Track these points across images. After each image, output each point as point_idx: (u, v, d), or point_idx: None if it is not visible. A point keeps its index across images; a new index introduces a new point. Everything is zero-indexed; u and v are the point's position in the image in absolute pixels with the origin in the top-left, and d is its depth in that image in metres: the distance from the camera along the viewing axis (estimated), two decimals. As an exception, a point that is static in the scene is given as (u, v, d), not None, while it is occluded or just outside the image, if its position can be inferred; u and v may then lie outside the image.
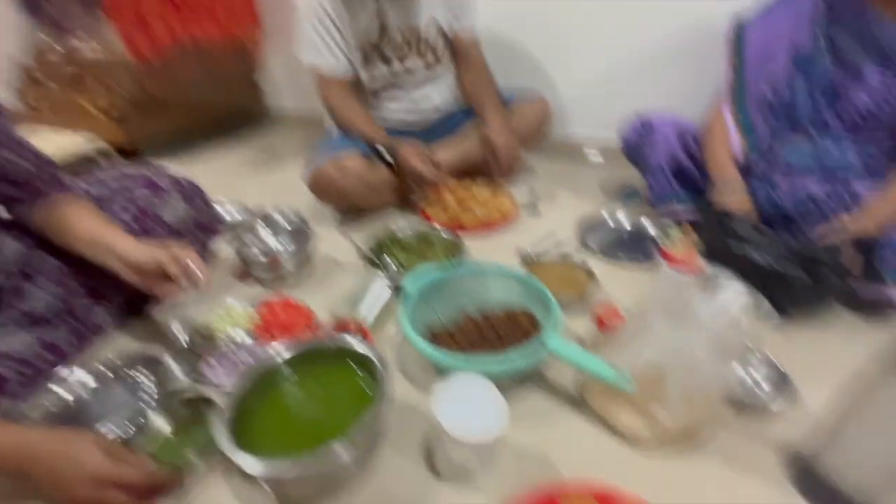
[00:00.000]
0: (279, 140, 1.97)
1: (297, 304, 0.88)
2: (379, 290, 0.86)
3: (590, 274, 0.92)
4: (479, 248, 1.11)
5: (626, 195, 1.32)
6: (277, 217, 1.05)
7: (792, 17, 0.93)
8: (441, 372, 0.68)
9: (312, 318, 0.85)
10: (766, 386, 0.69)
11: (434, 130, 1.37)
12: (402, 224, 1.12)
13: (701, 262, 0.83)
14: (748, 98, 0.98)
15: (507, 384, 0.71)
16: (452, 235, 1.07)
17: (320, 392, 0.64)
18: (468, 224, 1.17)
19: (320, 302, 0.90)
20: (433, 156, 1.19)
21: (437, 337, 0.76)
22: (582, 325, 0.83)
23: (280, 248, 1.01)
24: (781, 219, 0.95)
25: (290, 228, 1.05)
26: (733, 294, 0.51)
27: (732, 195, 0.95)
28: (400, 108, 1.31)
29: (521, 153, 1.31)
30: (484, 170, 1.34)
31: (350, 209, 1.25)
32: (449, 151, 1.31)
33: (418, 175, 1.16)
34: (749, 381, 0.70)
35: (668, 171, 1.11)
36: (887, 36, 0.82)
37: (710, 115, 1.05)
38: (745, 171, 1.01)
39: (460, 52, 1.32)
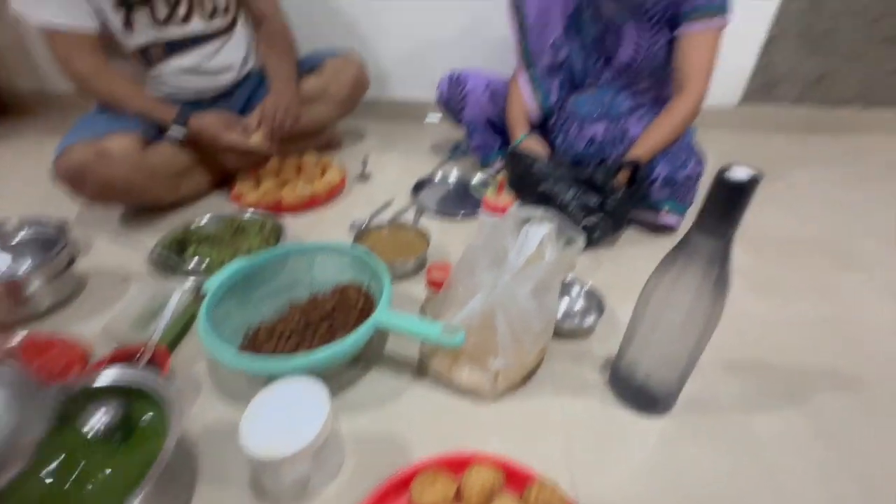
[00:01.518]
0: (23, 129, 1.49)
1: (62, 339, 0.66)
2: (180, 299, 0.70)
3: (424, 236, 0.89)
4: (305, 226, 1.00)
5: (453, 151, 1.33)
6: (9, 228, 0.77)
7: None
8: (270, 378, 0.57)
9: (86, 354, 0.65)
10: (583, 309, 0.75)
11: (230, 97, 1.16)
12: (208, 215, 0.93)
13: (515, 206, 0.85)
14: (535, 62, 1.04)
15: (343, 372, 0.65)
16: (270, 217, 0.92)
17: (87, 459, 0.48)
18: (290, 202, 1.03)
19: (99, 329, 0.70)
20: (242, 122, 1.01)
21: (255, 337, 0.65)
22: (421, 289, 0.80)
23: (20, 269, 0.75)
24: (577, 163, 1.05)
25: (34, 240, 0.79)
26: (538, 231, 0.52)
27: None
28: (182, 69, 1.06)
29: (293, 113, 1.08)
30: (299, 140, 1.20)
31: (135, 205, 1.00)
32: (253, 122, 1.13)
33: (240, 150, 0.98)
34: (569, 308, 0.75)
35: (481, 125, 1.15)
36: None
37: (511, 78, 1.10)
38: (543, 126, 1.10)
39: (256, 13, 1.12)
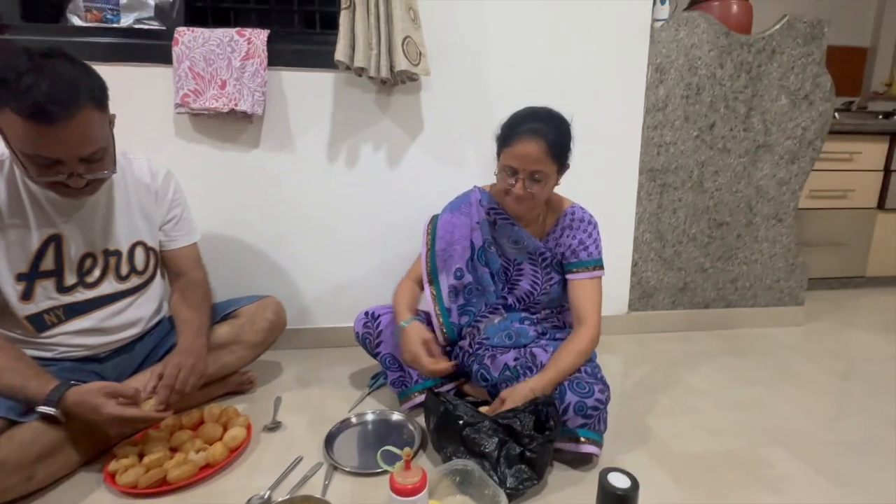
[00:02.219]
0: None
1: None
2: None
3: (333, 512, 0.78)
4: (192, 512, 0.85)
5: (374, 381, 1.31)
6: None
7: (467, 222, 1.18)
8: None
9: None
10: None
11: (131, 351, 1.10)
12: None
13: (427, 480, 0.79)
14: (438, 280, 1.17)
15: None
16: None
17: None
18: (177, 479, 0.88)
19: None
20: (129, 390, 0.89)
21: None
22: None
23: None
24: (493, 388, 1.08)
25: None
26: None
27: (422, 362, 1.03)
28: (80, 331, 1.00)
29: (196, 375, 0.99)
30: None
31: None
32: (151, 376, 1.05)
33: (123, 422, 0.86)
34: None
35: (398, 361, 1.17)
36: (533, 244, 1.13)
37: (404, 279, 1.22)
38: (451, 346, 1.17)
39: (174, 270, 1.14)
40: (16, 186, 0.90)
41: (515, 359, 1.06)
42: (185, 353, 1.00)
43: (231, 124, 1.39)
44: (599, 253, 1.11)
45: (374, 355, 1.21)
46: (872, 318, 1.90)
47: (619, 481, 0.43)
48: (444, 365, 1.04)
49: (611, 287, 1.67)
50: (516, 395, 0.95)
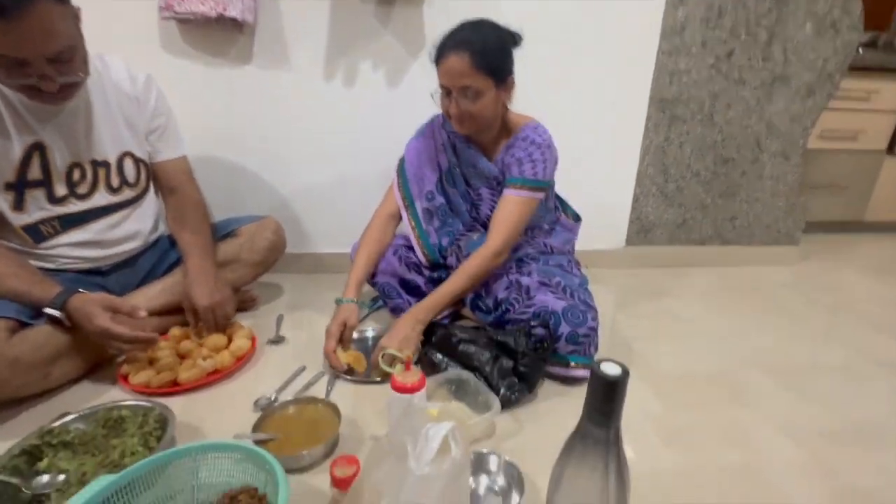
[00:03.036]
0: None
1: None
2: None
3: (335, 412, 0.83)
4: (203, 407, 0.90)
5: (372, 303, 1.34)
6: None
7: (432, 145, 1.18)
8: None
9: None
10: (504, 489, 0.70)
11: (133, 265, 1.11)
12: (73, 415, 0.78)
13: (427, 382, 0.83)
14: (414, 203, 1.18)
15: None
16: (154, 407, 0.80)
17: None
18: (187, 381, 0.93)
19: None
20: (126, 305, 0.92)
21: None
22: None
23: None
24: (486, 315, 1.11)
25: None
26: (439, 432, 0.50)
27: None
28: (79, 243, 1.00)
29: (229, 306, 1.06)
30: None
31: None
32: (154, 292, 1.08)
33: (110, 337, 0.88)
34: (488, 489, 0.71)
35: (395, 286, 1.19)
36: (487, 168, 1.11)
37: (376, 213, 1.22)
38: (434, 267, 1.20)
39: (166, 185, 1.12)
40: None
41: (506, 288, 1.08)
42: (203, 286, 1.02)
43: (221, 34, 1.30)
44: (535, 174, 1.04)
45: (373, 284, 1.23)
46: (867, 260, 1.92)
47: (610, 369, 0.45)
48: (337, 359, 0.98)
49: (609, 221, 1.68)
50: (397, 335, 0.96)
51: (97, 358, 0.99)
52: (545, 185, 1.08)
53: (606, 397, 0.45)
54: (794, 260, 1.82)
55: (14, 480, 0.65)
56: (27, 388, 0.86)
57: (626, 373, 0.45)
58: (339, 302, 1.06)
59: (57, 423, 0.75)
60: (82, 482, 0.66)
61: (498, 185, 1.12)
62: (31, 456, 0.71)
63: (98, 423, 0.77)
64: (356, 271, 1.12)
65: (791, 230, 1.80)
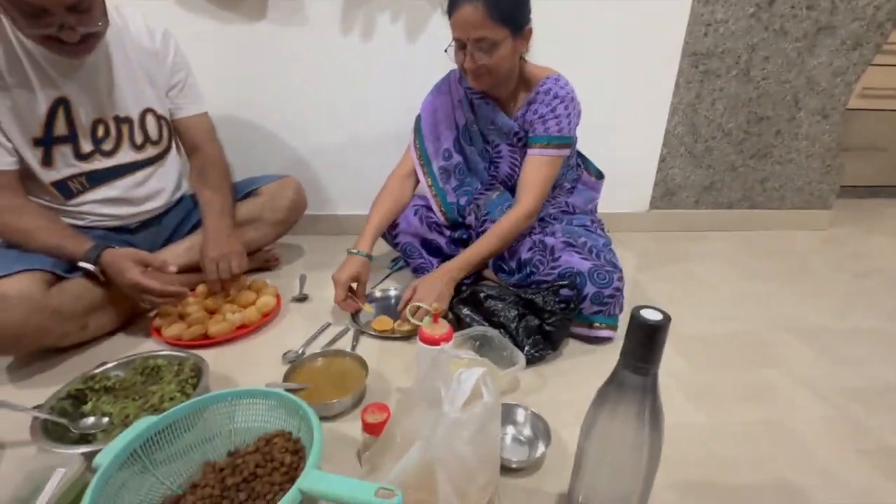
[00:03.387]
0: None
1: None
2: (62, 482, 0.58)
3: (362, 364, 0.85)
4: (234, 359, 0.93)
5: (394, 264, 1.34)
6: None
7: (448, 101, 1.15)
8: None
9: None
10: (530, 439, 0.72)
11: (159, 224, 1.13)
12: (113, 363, 0.81)
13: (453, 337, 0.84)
14: (431, 161, 1.16)
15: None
16: (189, 356, 0.83)
17: None
18: (217, 334, 0.96)
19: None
20: (157, 260, 0.94)
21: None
22: (359, 427, 0.74)
23: None
24: (508, 276, 1.10)
25: None
26: (471, 376, 0.50)
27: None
28: (106, 200, 1.01)
29: (235, 260, 1.03)
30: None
31: (30, 350, 0.88)
32: (180, 250, 1.09)
33: (142, 290, 0.90)
34: (515, 438, 0.72)
35: (417, 246, 1.19)
36: (506, 124, 1.07)
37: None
38: (454, 227, 1.19)
39: (189, 143, 1.13)
40: (10, 45, 0.87)
41: (530, 249, 1.06)
42: (219, 245, 1.02)
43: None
44: (560, 130, 1.01)
45: (394, 245, 1.23)
46: (900, 225, 1.85)
47: (651, 315, 0.44)
48: (350, 304, 1.01)
49: (632, 183, 1.64)
50: (431, 290, 0.96)
51: (131, 311, 1.02)
52: (570, 141, 1.05)
53: (646, 343, 0.45)
54: (825, 224, 1.76)
55: (63, 421, 0.69)
56: (67, 339, 0.90)
57: (667, 318, 0.44)
58: (349, 252, 1.05)
59: (97, 370, 0.79)
60: (125, 424, 0.69)
61: (518, 142, 1.09)
62: (75, 399, 0.74)
63: (136, 371, 0.80)
64: (370, 225, 1.10)
65: (824, 193, 1.73)
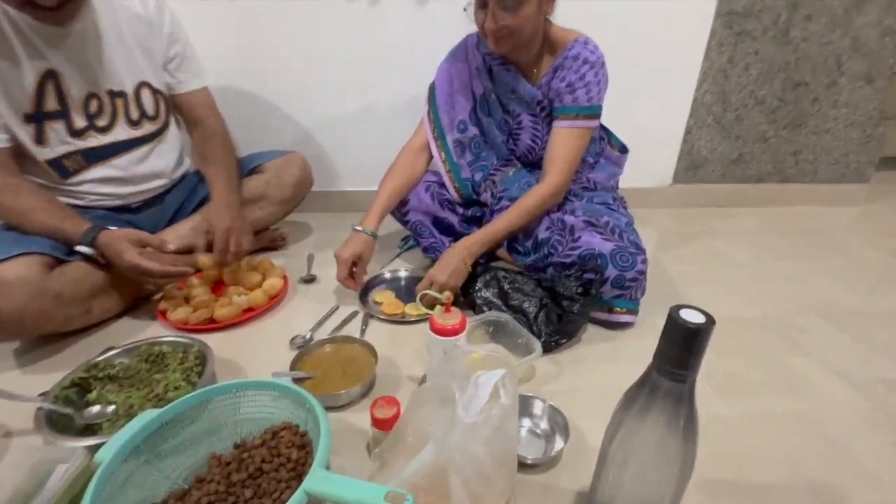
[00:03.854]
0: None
1: None
2: (66, 475, 0.57)
3: (371, 351, 0.82)
4: (240, 344, 0.90)
5: (404, 243, 1.30)
6: None
7: (465, 69, 1.06)
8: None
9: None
10: (547, 433, 0.69)
11: (162, 202, 1.09)
12: (116, 350, 0.78)
13: (468, 324, 0.79)
14: (445, 133, 1.09)
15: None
16: (194, 343, 0.80)
17: None
18: (223, 317, 0.93)
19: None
20: (155, 240, 0.90)
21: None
22: (368, 418, 0.72)
23: None
24: (524, 257, 1.04)
25: None
26: (489, 380, 0.46)
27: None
28: (105, 178, 0.98)
29: (245, 237, 1.00)
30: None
31: (33, 336, 0.87)
32: (184, 230, 1.06)
33: (141, 272, 0.87)
34: (532, 432, 0.69)
35: (428, 225, 1.14)
36: (528, 92, 1.00)
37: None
38: (468, 204, 1.13)
39: (190, 117, 1.08)
40: None
41: (548, 228, 1.00)
42: (227, 220, 0.97)
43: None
44: (590, 99, 0.94)
45: (404, 223, 1.18)
46: (941, 199, 1.74)
47: (692, 316, 0.38)
48: (351, 283, 0.98)
49: (655, 156, 1.55)
50: (447, 266, 0.92)
51: (135, 294, 1.00)
52: (600, 111, 0.97)
53: (685, 348, 0.40)
54: (861, 200, 1.66)
55: (67, 411, 0.67)
56: (70, 323, 0.88)
57: (710, 321, 0.39)
58: (354, 229, 1.01)
59: (101, 358, 0.77)
60: (129, 414, 0.68)
61: (542, 111, 1.01)
62: (80, 388, 0.72)
63: (141, 358, 0.78)
64: (378, 202, 1.04)
65: (862, 166, 1.62)
